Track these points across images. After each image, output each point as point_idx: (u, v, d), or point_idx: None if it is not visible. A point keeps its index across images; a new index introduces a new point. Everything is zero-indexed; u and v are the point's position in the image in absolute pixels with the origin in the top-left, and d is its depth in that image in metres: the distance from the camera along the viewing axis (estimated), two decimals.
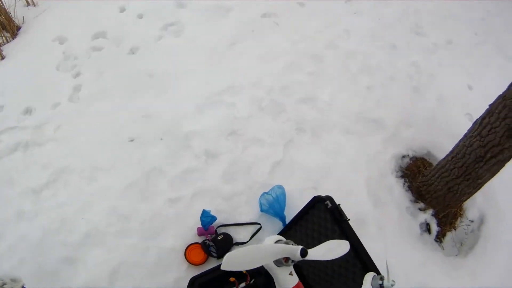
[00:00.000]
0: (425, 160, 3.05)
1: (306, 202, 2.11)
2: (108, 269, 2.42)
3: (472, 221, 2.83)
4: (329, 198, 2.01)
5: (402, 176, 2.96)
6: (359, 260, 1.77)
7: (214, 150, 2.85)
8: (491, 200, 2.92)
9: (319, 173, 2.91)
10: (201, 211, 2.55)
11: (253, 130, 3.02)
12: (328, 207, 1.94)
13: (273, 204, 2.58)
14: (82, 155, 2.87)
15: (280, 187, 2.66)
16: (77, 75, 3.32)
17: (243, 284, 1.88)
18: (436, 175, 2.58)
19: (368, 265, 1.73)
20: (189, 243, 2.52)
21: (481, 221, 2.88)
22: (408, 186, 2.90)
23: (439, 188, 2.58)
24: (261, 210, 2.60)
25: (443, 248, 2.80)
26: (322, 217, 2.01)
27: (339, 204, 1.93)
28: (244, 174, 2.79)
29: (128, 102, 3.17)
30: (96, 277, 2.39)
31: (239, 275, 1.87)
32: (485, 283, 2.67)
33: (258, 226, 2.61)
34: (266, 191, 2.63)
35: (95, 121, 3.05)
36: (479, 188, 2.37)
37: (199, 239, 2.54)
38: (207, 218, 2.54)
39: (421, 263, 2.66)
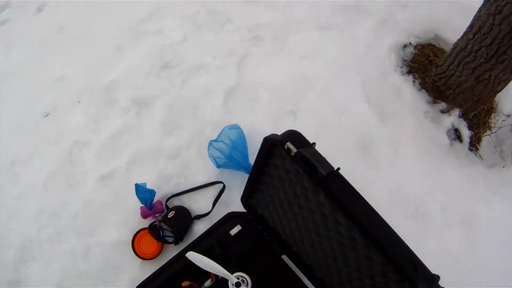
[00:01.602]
0: (434, 46, 2.20)
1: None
2: (55, 284, 1.75)
3: (509, 116, 2.06)
4: (292, 134, 1.09)
5: (409, 72, 2.12)
6: (381, 251, 0.95)
7: (145, 96, 1.95)
8: None
9: (294, 90, 1.96)
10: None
11: (192, 55, 2.08)
12: (292, 154, 1.03)
13: (230, 154, 1.71)
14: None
15: (233, 127, 1.76)
16: None
17: (208, 283, 1.35)
18: (456, 62, 1.85)
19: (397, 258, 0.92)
20: (135, 231, 1.73)
21: None
22: (420, 84, 2.07)
23: (463, 79, 1.85)
24: (218, 166, 1.74)
25: (481, 158, 1.99)
26: (291, 171, 1.13)
27: (313, 145, 1.04)
28: (189, 117, 1.91)
29: (39, 70, 2.34)
30: None
31: (199, 274, 1.32)
32: None
33: (220, 186, 1.75)
34: (214, 139, 1.74)
35: (6, 106, 2.29)
36: None
37: (147, 223, 1.74)
38: (144, 194, 1.70)
39: (458, 184, 1.86)
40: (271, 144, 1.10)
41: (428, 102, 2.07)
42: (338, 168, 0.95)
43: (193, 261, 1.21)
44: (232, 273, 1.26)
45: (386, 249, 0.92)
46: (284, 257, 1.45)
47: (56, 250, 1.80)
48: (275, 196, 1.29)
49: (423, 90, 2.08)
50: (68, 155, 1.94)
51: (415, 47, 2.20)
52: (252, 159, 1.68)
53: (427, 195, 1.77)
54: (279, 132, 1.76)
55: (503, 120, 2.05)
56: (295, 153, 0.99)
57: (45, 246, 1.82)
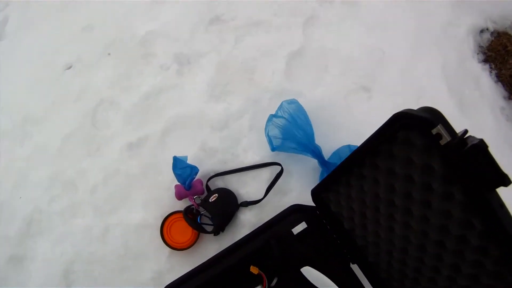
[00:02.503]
0: (510, 36, 1.84)
1: (355, 115, 1.27)
2: (61, 268, 1.41)
3: None
4: (434, 113, 0.70)
5: (485, 61, 1.75)
6: None
7: (189, 53, 1.53)
8: None
9: (369, 63, 1.55)
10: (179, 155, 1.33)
11: (248, 9, 1.65)
12: (443, 143, 0.66)
13: (291, 132, 1.31)
14: (11, 109, 1.76)
15: (292, 101, 1.36)
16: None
17: None
18: None
19: None
20: (167, 214, 1.36)
21: None
22: (497, 75, 1.71)
23: None
24: (272, 149, 1.34)
25: None
26: (417, 165, 0.76)
27: (465, 133, 0.64)
28: (243, 82, 1.51)
29: (63, 18, 1.92)
30: (49, 280, 1.42)
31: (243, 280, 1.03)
32: None
33: (277, 169, 1.33)
34: (273, 114, 1.33)
35: (25, 57, 1.89)
36: None
37: (181, 205, 1.35)
38: (183, 170, 1.32)
39: None
40: (404, 124, 0.73)
41: (504, 97, 1.73)
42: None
43: (306, 276, 1.01)
44: None
45: None
46: (355, 267, 1.12)
47: (69, 226, 1.46)
48: (370, 194, 0.93)
49: (499, 83, 1.75)
50: (91, 116, 1.54)
51: (491, 33, 1.86)
52: (318, 140, 1.26)
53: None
54: (350, 110, 1.36)
55: None
56: (449, 141, 0.65)
57: (56, 220, 1.48)
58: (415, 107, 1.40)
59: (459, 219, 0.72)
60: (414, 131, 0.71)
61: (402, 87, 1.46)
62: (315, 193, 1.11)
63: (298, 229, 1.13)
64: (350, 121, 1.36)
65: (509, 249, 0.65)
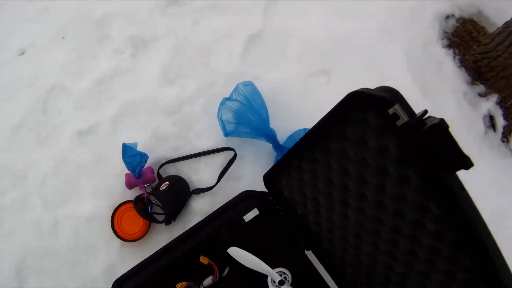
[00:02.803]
0: (476, 23, 1.86)
1: (313, 99, 1.20)
2: (12, 264, 1.32)
3: None
4: (392, 93, 0.63)
5: (449, 46, 1.75)
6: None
7: (145, 36, 1.45)
8: None
9: (331, 47, 1.48)
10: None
11: None
12: (400, 124, 0.60)
13: (246, 116, 1.24)
14: None
15: (247, 83, 1.29)
16: None
17: (208, 281, 0.99)
18: (506, 43, 1.50)
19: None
20: (117, 204, 1.28)
21: None
22: (460, 61, 1.72)
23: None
24: (226, 134, 1.27)
25: (511, 151, 1.69)
26: (373, 148, 0.69)
27: (424, 113, 0.59)
28: (198, 65, 1.42)
29: (16, 1, 1.78)
30: (2, 277, 1.31)
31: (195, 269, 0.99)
32: None
33: (230, 154, 1.25)
34: (227, 97, 1.25)
35: None
36: None
37: (133, 195, 1.28)
38: (133, 158, 1.24)
39: (490, 178, 1.53)
40: (358, 104, 0.67)
41: (467, 82, 1.74)
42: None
43: (234, 257, 0.96)
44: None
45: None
46: (309, 253, 1.07)
47: (19, 221, 1.36)
48: (322, 179, 0.87)
49: (463, 68, 1.75)
50: (43, 103, 1.46)
51: (457, 19, 1.85)
52: (273, 124, 1.18)
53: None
54: (309, 94, 1.28)
55: None
56: (407, 121, 0.59)
57: (5, 215, 1.38)
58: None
59: (414, 203, 0.67)
60: (370, 111, 0.65)
61: (364, 71, 1.40)
62: (267, 178, 1.04)
63: (249, 216, 1.06)
64: (308, 105, 1.29)
65: (468, 233, 0.60)
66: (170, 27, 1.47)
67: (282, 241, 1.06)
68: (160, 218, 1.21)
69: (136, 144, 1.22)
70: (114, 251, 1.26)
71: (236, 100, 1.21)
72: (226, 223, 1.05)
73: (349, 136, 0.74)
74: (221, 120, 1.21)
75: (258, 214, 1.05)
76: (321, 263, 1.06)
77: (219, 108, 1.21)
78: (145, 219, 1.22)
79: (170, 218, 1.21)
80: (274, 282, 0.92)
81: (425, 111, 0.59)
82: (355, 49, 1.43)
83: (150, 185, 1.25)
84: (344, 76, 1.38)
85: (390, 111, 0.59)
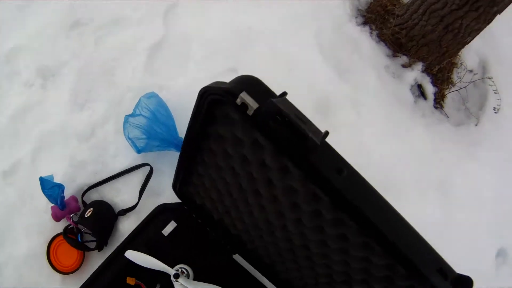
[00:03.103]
0: None
1: None
2: None
3: (472, 71, 1.83)
4: (247, 81, 0.62)
5: (364, 23, 1.76)
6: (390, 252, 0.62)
7: (52, 64, 1.46)
8: (491, 41, 1.87)
9: (236, 43, 1.48)
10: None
11: (107, 8, 1.53)
12: (250, 112, 0.57)
13: (154, 130, 1.23)
14: None
15: (151, 95, 1.27)
16: None
17: None
18: (421, 11, 1.56)
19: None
20: (50, 239, 1.27)
21: (484, 69, 1.89)
22: (378, 36, 1.74)
23: (429, 29, 1.56)
24: (138, 151, 1.27)
25: (447, 116, 1.74)
26: (245, 142, 0.68)
27: (283, 95, 0.57)
28: (104, 85, 1.43)
29: None
30: None
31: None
32: None
33: (147, 169, 1.27)
34: (130, 114, 1.25)
35: None
36: (491, 20, 1.47)
37: (62, 226, 1.27)
38: (52, 190, 1.22)
39: (428, 145, 1.59)
40: (213, 100, 0.65)
41: (388, 55, 1.75)
42: (327, 133, 0.57)
43: (132, 260, 0.95)
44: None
45: (397, 248, 0.60)
46: (237, 257, 1.09)
47: None
48: (219, 181, 0.87)
49: (382, 43, 1.75)
50: None
51: None
52: (183, 132, 1.17)
53: (397, 160, 1.47)
54: None
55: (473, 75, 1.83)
56: (257, 109, 0.56)
57: None
58: (288, 80, 1.33)
59: (302, 192, 0.66)
60: (226, 105, 0.63)
61: (272, 62, 1.39)
62: (175, 187, 1.04)
63: (168, 229, 1.08)
64: None
65: (358, 216, 0.60)
66: (73, 51, 1.44)
67: (208, 249, 1.06)
68: (92, 245, 1.21)
69: (52, 176, 1.21)
70: (57, 285, 1.25)
71: (140, 115, 1.20)
72: (145, 241, 1.05)
73: (222, 134, 0.72)
74: (129, 139, 1.21)
75: (176, 226, 1.06)
76: (251, 265, 1.07)
77: (123, 127, 1.20)
78: (77, 249, 1.21)
79: (102, 243, 1.22)
80: (172, 277, 0.93)
81: (282, 94, 0.56)
82: (261, 42, 1.42)
83: (76, 214, 1.25)
84: (253, 70, 1.34)
85: (238, 101, 0.57)
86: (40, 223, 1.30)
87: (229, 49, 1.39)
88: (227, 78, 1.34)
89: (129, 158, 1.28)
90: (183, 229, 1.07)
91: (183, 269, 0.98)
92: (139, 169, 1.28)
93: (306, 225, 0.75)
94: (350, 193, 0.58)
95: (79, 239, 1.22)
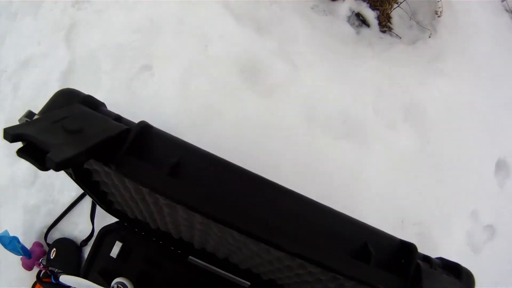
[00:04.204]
0: None
1: (144, 98, 1.11)
2: None
3: None
4: (54, 102, 0.62)
5: None
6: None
7: None
8: None
9: (141, 39, 1.39)
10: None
11: (15, 52, 1.48)
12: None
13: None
14: None
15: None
16: None
17: None
18: None
19: None
20: None
21: None
22: None
23: None
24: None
25: (398, 36, 1.56)
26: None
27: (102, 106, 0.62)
28: None
29: None
30: None
31: None
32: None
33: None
34: None
35: None
36: None
37: (35, 272, 1.25)
38: (12, 245, 1.21)
39: (384, 75, 1.41)
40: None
41: None
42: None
43: (68, 284, 0.90)
44: None
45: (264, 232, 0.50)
46: (192, 259, 1.02)
47: None
48: (125, 196, 0.81)
49: None
50: None
51: None
52: None
53: (352, 102, 1.28)
54: (137, 96, 1.20)
55: None
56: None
57: None
58: (207, 56, 1.24)
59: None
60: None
61: (184, 44, 1.29)
62: (106, 209, 0.97)
63: (115, 251, 1.01)
64: (140, 107, 1.20)
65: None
66: None
67: (162, 258, 1.01)
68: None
69: (6, 231, 1.19)
70: None
71: None
72: (98, 270, 1.01)
73: None
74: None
75: (122, 246, 1.00)
76: (207, 263, 1.01)
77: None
78: None
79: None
80: None
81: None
82: (166, 29, 1.34)
83: (44, 258, 1.22)
84: (167, 60, 1.30)
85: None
86: (17, 276, 1.29)
87: (138, 48, 1.32)
88: (144, 76, 1.27)
89: (75, 188, 1.25)
90: (130, 246, 1.01)
91: (119, 285, 0.91)
92: (86, 197, 1.22)
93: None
94: (191, 199, 0.52)
95: (53, 281, 1.19)
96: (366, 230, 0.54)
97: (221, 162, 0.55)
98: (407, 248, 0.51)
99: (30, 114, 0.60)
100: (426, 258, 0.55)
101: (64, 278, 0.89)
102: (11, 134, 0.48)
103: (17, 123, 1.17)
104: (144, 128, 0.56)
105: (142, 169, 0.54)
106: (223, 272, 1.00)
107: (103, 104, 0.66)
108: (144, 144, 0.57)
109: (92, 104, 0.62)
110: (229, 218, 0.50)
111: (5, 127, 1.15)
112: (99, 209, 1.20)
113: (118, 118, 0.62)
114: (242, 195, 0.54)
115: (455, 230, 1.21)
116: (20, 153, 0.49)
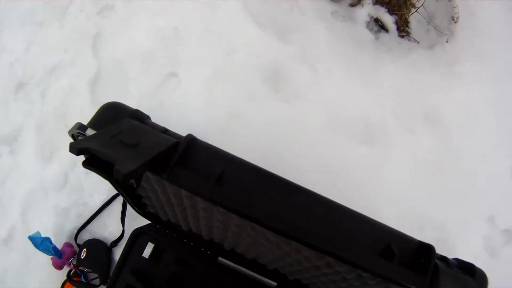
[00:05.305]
0: None
1: (170, 105, 1.17)
2: None
3: None
4: (100, 115, 0.67)
5: None
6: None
7: (10, 130, 1.52)
8: None
9: (166, 46, 1.43)
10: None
11: (42, 60, 1.53)
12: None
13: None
14: None
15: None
16: None
17: None
18: None
19: None
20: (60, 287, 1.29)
21: None
22: None
23: None
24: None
25: (416, 41, 1.54)
26: None
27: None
28: (62, 131, 1.42)
29: None
30: None
31: None
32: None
33: (121, 197, 1.26)
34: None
35: None
36: None
37: (65, 272, 1.29)
38: (43, 246, 1.24)
39: (403, 79, 1.42)
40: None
41: (332, 1, 1.58)
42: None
43: None
44: None
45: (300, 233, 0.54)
46: (222, 260, 1.05)
47: None
48: (161, 199, 0.83)
49: None
50: None
51: None
52: None
53: (373, 107, 1.30)
54: (164, 102, 1.23)
55: None
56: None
57: None
58: (231, 63, 1.26)
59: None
60: None
61: (208, 51, 1.33)
62: (139, 211, 1.01)
63: (147, 251, 1.04)
64: (169, 114, 1.24)
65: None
66: (25, 111, 1.43)
67: (192, 260, 1.04)
68: (97, 281, 1.22)
69: (38, 232, 1.22)
70: None
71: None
72: (130, 270, 1.04)
73: None
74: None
75: (154, 247, 1.03)
76: (236, 264, 1.04)
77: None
78: None
79: (104, 277, 1.23)
80: None
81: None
82: (186, 33, 1.36)
83: (74, 258, 1.26)
84: (192, 67, 1.33)
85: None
86: (48, 275, 1.32)
87: (163, 56, 1.35)
88: (171, 84, 1.31)
89: (105, 191, 1.28)
90: (162, 247, 1.05)
91: None
92: (116, 199, 1.26)
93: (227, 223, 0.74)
94: (234, 203, 0.56)
95: (83, 280, 1.23)
96: (388, 231, 0.58)
97: (260, 171, 0.59)
98: (426, 249, 0.55)
99: (81, 126, 0.63)
100: (443, 258, 0.59)
101: None
102: (77, 148, 0.51)
103: (49, 128, 1.21)
104: (191, 141, 0.59)
105: (192, 179, 0.57)
106: (251, 272, 1.03)
107: (148, 117, 0.70)
108: (190, 155, 0.60)
109: (140, 118, 0.65)
110: (268, 221, 0.54)
111: (37, 132, 1.20)
112: (129, 211, 1.24)
113: (165, 131, 0.65)
114: (278, 200, 0.58)
115: (473, 234, 1.23)
116: (86, 164, 0.52)
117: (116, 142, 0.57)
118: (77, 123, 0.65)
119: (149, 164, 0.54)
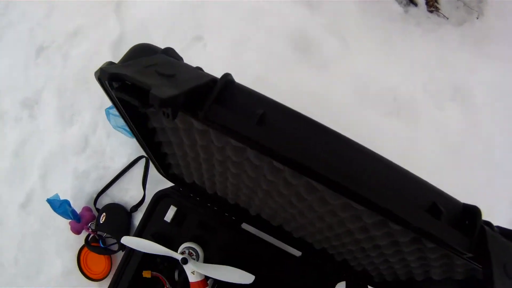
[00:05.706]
0: None
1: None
2: None
3: None
4: (133, 51, 0.56)
5: None
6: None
7: (31, 93, 1.50)
8: None
9: (191, 10, 1.37)
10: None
11: (62, 24, 1.49)
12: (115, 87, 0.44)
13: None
14: None
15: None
16: None
17: None
18: None
19: None
20: (77, 252, 1.29)
21: None
22: None
23: None
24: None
25: (445, 17, 1.46)
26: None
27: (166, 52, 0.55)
28: (83, 95, 1.40)
29: None
30: None
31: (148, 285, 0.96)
32: None
33: (143, 161, 1.28)
34: (108, 106, 1.23)
35: None
36: None
37: (83, 237, 1.27)
38: (61, 208, 1.22)
39: (432, 54, 1.34)
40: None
41: None
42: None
43: (130, 246, 0.90)
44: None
45: (361, 191, 0.48)
46: (245, 226, 1.01)
47: None
48: (188, 156, 0.79)
49: None
50: None
51: None
52: None
53: (402, 80, 1.27)
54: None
55: None
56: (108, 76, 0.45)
57: None
58: (258, 29, 1.21)
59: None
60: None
61: (234, 16, 1.28)
62: (162, 173, 0.97)
63: (169, 215, 1.00)
64: None
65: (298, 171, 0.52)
66: (46, 74, 1.41)
67: (214, 224, 1.00)
68: (116, 247, 1.19)
69: (57, 195, 1.20)
70: None
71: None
72: (151, 233, 1.01)
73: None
74: (118, 127, 1.15)
75: (177, 210, 1.00)
76: (261, 230, 1.00)
77: (108, 119, 1.16)
78: (103, 255, 1.20)
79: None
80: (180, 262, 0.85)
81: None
82: (213, 4, 1.30)
83: (93, 223, 1.24)
84: (218, 32, 1.29)
85: (98, 75, 0.48)
86: (65, 240, 1.30)
87: (187, 19, 1.31)
88: (196, 48, 1.26)
89: (126, 155, 1.25)
90: (184, 211, 1.00)
91: (190, 250, 0.91)
92: (137, 163, 1.22)
93: (266, 177, 0.67)
94: (279, 147, 0.50)
95: (102, 245, 1.21)
96: (433, 190, 0.53)
97: (304, 117, 0.54)
98: (471, 210, 0.50)
99: (111, 63, 0.59)
100: (487, 223, 0.54)
101: (126, 239, 0.89)
102: (108, 73, 0.46)
103: (70, 92, 1.18)
104: (229, 81, 0.55)
105: (232, 117, 0.52)
106: (276, 241, 0.99)
107: (181, 58, 0.65)
108: (229, 95, 0.55)
109: (174, 56, 0.61)
110: (316, 166, 0.49)
111: (58, 96, 1.17)
112: (150, 176, 1.20)
113: (200, 69, 0.60)
114: (325, 148, 0.53)
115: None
116: (118, 91, 0.48)
117: (151, 71, 0.52)
118: (107, 62, 0.61)
119: (188, 95, 0.49)
